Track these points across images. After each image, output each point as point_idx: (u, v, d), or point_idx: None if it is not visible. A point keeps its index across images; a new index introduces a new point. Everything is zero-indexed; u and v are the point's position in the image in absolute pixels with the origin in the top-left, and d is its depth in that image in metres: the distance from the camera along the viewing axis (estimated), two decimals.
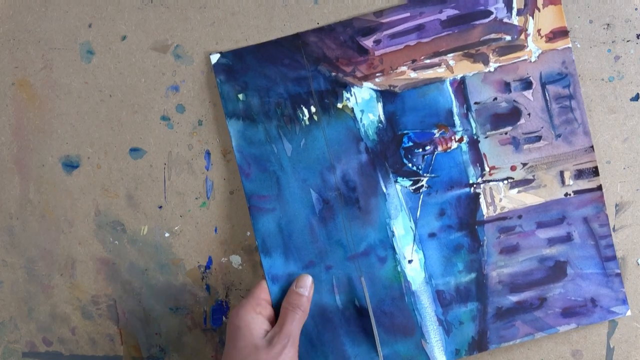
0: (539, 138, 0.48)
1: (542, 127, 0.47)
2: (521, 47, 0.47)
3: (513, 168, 0.48)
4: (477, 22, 0.47)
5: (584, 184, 0.48)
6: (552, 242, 0.48)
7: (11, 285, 0.57)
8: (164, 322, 0.55)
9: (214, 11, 0.52)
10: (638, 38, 0.49)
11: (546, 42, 0.47)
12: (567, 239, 0.48)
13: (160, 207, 0.54)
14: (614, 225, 0.50)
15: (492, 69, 0.47)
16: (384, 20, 0.47)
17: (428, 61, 0.47)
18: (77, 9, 0.53)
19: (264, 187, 0.49)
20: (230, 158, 0.53)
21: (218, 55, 0.48)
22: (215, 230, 0.53)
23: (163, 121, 0.53)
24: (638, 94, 0.49)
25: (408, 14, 0.47)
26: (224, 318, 0.55)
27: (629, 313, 0.48)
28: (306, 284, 0.47)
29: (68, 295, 0.56)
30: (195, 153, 0.53)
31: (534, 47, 0.47)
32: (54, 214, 0.55)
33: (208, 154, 0.53)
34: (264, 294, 0.48)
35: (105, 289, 0.55)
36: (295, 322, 0.45)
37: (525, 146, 0.48)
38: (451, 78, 0.47)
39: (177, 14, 0.52)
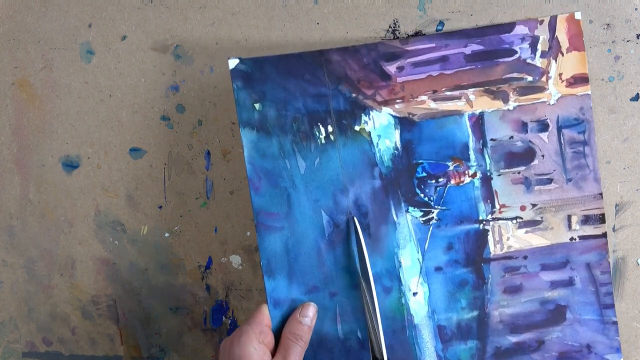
0: (550, 180, 0.48)
1: (555, 170, 0.47)
2: (542, 89, 0.47)
3: (522, 208, 0.48)
4: (501, 60, 0.47)
5: (589, 230, 0.48)
6: (554, 285, 0.48)
7: (11, 285, 0.57)
8: (164, 322, 0.55)
9: (214, 11, 0.52)
10: (638, 38, 0.49)
11: (566, 86, 0.47)
12: (569, 283, 0.48)
13: (160, 207, 0.54)
14: (614, 225, 0.50)
15: (511, 108, 0.47)
16: (409, 48, 0.47)
17: (449, 93, 0.47)
18: (77, 9, 0.53)
19: (273, 204, 0.47)
20: (230, 158, 0.53)
21: (237, 61, 0.47)
22: (215, 230, 0.53)
23: (163, 121, 0.53)
24: (638, 94, 0.49)
25: (433, 45, 0.47)
26: (223, 318, 0.55)
27: None
28: (310, 314, 0.45)
29: (68, 295, 0.56)
30: (195, 153, 0.53)
31: (554, 91, 0.47)
32: (54, 214, 0.55)
33: (208, 154, 0.53)
34: (266, 320, 0.45)
35: (105, 289, 0.55)
36: (297, 354, 0.43)
37: (537, 187, 0.48)
38: (470, 112, 0.47)
39: (177, 14, 0.52)
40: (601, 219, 0.48)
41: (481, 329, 0.48)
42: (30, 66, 0.54)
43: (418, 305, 0.48)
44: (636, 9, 0.49)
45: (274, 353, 0.44)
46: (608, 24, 0.49)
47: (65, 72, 0.53)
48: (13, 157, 0.55)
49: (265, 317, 0.45)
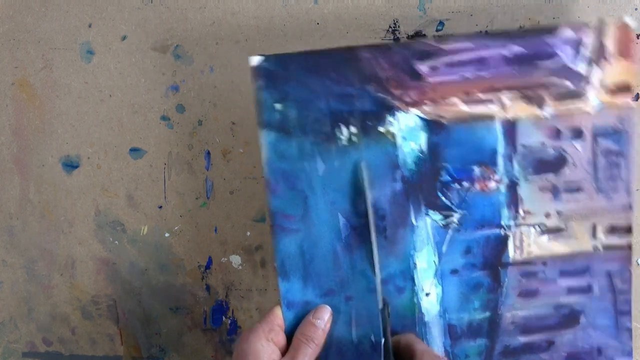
0: (579, 189, 0.46)
1: (585, 179, 0.46)
2: (581, 96, 0.45)
3: (547, 215, 0.47)
4: (541, 64, 0.45)
5: (614, 240, 0.47)
6: (571, 291, 0.48)
7: (11, 285, 0.57)
8: (164, 322, 0.55)
9: (214, 11, 0.52)
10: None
11: (607, 95, 0.45)
12: (587, 290, 0.48)
13: (160, 207, 0.54)
14: None
15: (546, 114, 0.46)
16: (445, 47, 0.45)
17: (483, 96, 0.46)
18: (77, 9, 0.53)
19: (290, 206, 0.46)
20: (230, 158, 0.53)
21: (260, 58, 0.44)
22: (215, 230, 0.53)
23: (163, 121, 0.53)
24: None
25: (472, 45, 0.45)
26: (223, 318, 0.55)
27: None
28: (324, 316, 0.45)
29: (68, 295, 0.56)
30: (195, 153, 0.53)
31: (593, 98, 0.45)
32: (54, 214, 0.55)
33: (208, 154, 0.53)
34: (278, 320, 0.45)
35: (105, 289, 0.55)
36: (308, 355, 0.43)
37: (564, 195, 0.47)
38: (503, 117, 0.46)
39: (177, 14, 0.52)
40: (627, 230, 0.47)
41: (492, 329, 0.48)
42: (30, 66, 0.54)
43: (430, 304, 0.48)
44: (636, 9, 0.49)
45: (285, 354, 0.43)
46: None
47: (65, 72, 0.53)
48: (13, 157, 0.55)
49: (278, 318, 0.45)
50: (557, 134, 0.46)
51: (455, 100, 0.46)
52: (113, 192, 0.54)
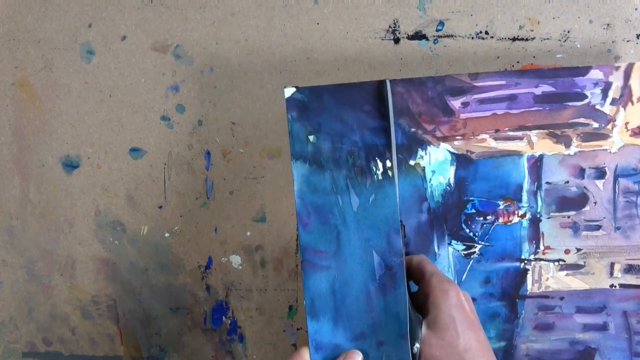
0: (598, 227, 0.47)
1: (605, 218, 0.47)
2: (605, 137, 0.47)
3: (567, 251, 0.48)
4: (570, 104, 0.46)
5: (631, 279, 0.48)
6: (587, 327, 0.48)
7: (11, 285, 0.57)
8: (164, 322, 0.55)
9: (214, 11, 0.52)
10: (638, 38, 0.49)
11: (630, 135, 0.47)
12: (603, 327, 0.48)
13: (160, 207, 0.54)
14: None
15: (571, 153, 0.47)
16: (477, 84, 0.46)
17: (511, 133, 0.47)
18: (77, 9, 0.53)
19: (321, 241, 0.44)
20: (230, 158, 0.53)
21: (293, 90, 0.44)
22: (215, 230, 0.53)
23: (163, 121, 0.53)
24: None
25: (504, 82, 0.46)
26: (223, 318, 0.55)
27: None
28: None
29: (68, 295, 0.56)
30: (195, 153, 0.53)
31: (617, 139, 0.47)
32: (54, 214, 0.55)
33: (208, 154, 0.53)
34: None
35: (105, 289, 0.55)
36: None
37: (584, 233, 0.48)
38: (529, 154, 0.47)
39: (177, 14, 0.52)
40: None
41: (506, 359, 0.49)
42: (30, 66, 0.54)
43: None
44: (636, 9, 0.49)
45: None
46: (608, 24, 0.49)
47: (65, 72, 0.53)
48: (13, 157, 0.55)
49: (303, 359, 0.42)
50: (581, 172, 0.47)
51: (484, 136, 0.47)
52: (113, 192, 0.54)
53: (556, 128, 0.47)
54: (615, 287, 0.48)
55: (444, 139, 0.47)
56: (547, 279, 0.48)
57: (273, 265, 0.53)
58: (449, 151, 0.47)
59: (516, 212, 0.48)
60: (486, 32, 0.50)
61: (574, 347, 0.48)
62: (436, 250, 0.48)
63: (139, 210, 0.54)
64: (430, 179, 0.47)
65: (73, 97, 0.54)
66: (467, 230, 0.48)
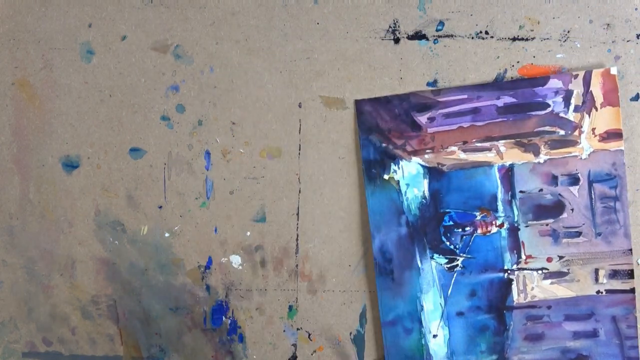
0: (579, 234, 0.48)
1: (584, 224, 0.48)
2: (573, 143, 0.47)
3: (549, 259, 0.48)
4: (533, 113, 0.47)
5: (617, 285, 0.48)
6: (577, 335, 0.48)
7: (11, 285, 0.57)
8: (164, 322, 0.55)
9: (214, 11, 0.52)
10: (638, 38, 0.49)
11: (599, 141, 0.47)
12: (593, 334, 0.48)
13: (160, 207, 0.54)
14: None
15: (541, 161, 0.48)
16: (440, 99, 0.48)
17: (479, 144, 0.48)
18: (77, 9, 0.53)
19: None
20: (230, 158, 0.53)
21: None
22: (215, 230, 0.53)
23: (163, 121, 0.53)
24: (638, 94, 0.49)
25: (465, 96, 0.48)
26: (223, 318, 0.55)
27: None
28: None
29: (68, 295, 0.56)
30: (195, 153, 0.53)
31: (586, 145, 0.47)
32: (54, 214, 0.55)
33: (208, 154, 0.53)
34: None
35: (105, 289, 0.55)
36: None
37: (565, 240, 0.48)
38: (500, 164, 0.48)
39: (177, 14, 0.52)
40: (630, 274, 0.47)
41: None
42: (30, 66, 0.54)
43: (438, 346, 0.48)
44: (636, 9, 0.49)
45: None
46: (608, 24, 0.49)
47: (65, 72, 0.53)
48: (13, 157, 0.55)
49: None
50: (553, 180, 0.48)
51: (453, 148, 0.48)
52: (113, 192, 0.54)
53: (522, 137, 0.47)
54: (601, 293, 0.48)
55: (415, 152, 0.48)
56: (532, 288, 0.48)
57: (273, 265, 0.53)
58: (420, 164, 0.48)
59: (494, 222, 0.48)
60: (486, 32, 0.50)
61: (566, 356, 0.48)
62: (420, 265, 0.48)
63: (139, 210, 0.54)
64: (406, 192, 0.48)
65: (73, 97, 0.54)
66: (448, 243, 0.48)
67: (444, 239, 0.48)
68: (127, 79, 0.53)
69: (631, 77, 0.49)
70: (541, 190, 0.48)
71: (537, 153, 0.48)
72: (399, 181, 0.48)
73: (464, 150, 0.48)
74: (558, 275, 0.48)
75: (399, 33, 0.50)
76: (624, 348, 0.48)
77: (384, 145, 0.48)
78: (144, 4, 0.52)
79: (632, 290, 0.48)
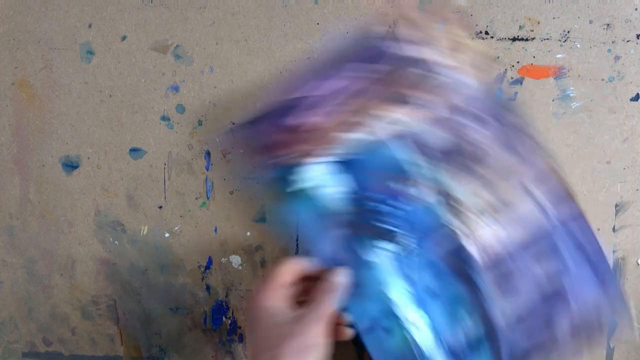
0: (486, 158, 0.46)
1: (493, 151, 0.46)
2: (437, 78, 0.46)
3: (476, 194, 0.46)
4: (378, 67, 0.46)
5: (565, 211, 0.46)
6: (549, 276, 0.47)
7: (11, 285, 0.57)
8: (164, 322, 0.55)
9: (214, 11, 0.52)
10: (638, 38, 0.49)
11: (475, 74, 0.46)
12: (564, 269, 0.47)
13: (160, 207, 0.54)
14: (614, 226, 0.50)
15: (420, 107, 0.46)
16: (289, 97, 0.46)
17: (355, 119, 0.46)
18: (77, 9, 0.53)
19: None
20: (230, 158, 0.53)
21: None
22: (215, 230, 0.53)
23: (163, 121, 0.53)
24: (638, 94, 0.49)
25: (303, 83, 0.46)
26: (223, 318, 0.55)
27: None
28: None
29: (68, 295, 0.56)
30: (195, 153, 0.53)
31: (468, 81, 0.46)
32: (54, 214, 0.55)
33: (208, 154, 0.53)
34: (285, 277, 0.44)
35: (105, 289, 0.55)
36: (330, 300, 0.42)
37: (481, 170, 0.46)
38: (390, 130, 0.46)
39: (177, 14, 0.52)
40: (570, 196, 0.46)
41: (491, 338, 0.47)
42: (30, 66, 0.54)
43: (422, 335, 0.46)
44: (636, 9, 0.49)
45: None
46: (608, 24, 0.49)
47: (65, 72, 0.53)
48: (13, 157, 0.55)
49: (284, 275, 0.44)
50: (446, 121, 0.46)
51: (335, 134, 0.46)
52: (113, 192, 0.54)
53: (388, 93, 0.46)
54: (557, 226, 0.46)
55: (304, 155, 0.46)
56: (482, 235, 0.46)
57: (273, 265, 0.53)
58: (317, 163, 0.46)
59: (411, 184, 0.46)
60: (486, 32, 0.50)
61: (547, 299, 0.46)
62: (366, 258, 0.46)
63: (139, 211, 0.54)
64: (319, 195, 0.46)
65: (73, 97, 0.54)
66: (380, 224, 0.46)
67: (375, 222, 0.46)
68: (127, 79, 0.53)
69: (631, 77, 0.49)
70: (437, 135, 0.46)
71: (411, 101, 0.46)
72: (306, 188, 0.46)
73: (346, 131, 0.45)
74: (493, 207, 0.46)
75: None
76: (593, 263, 0.46)
77: (271, 161, 0.46)
78: (144, 4, 0.52)
79: (580, 211, 0.46)
